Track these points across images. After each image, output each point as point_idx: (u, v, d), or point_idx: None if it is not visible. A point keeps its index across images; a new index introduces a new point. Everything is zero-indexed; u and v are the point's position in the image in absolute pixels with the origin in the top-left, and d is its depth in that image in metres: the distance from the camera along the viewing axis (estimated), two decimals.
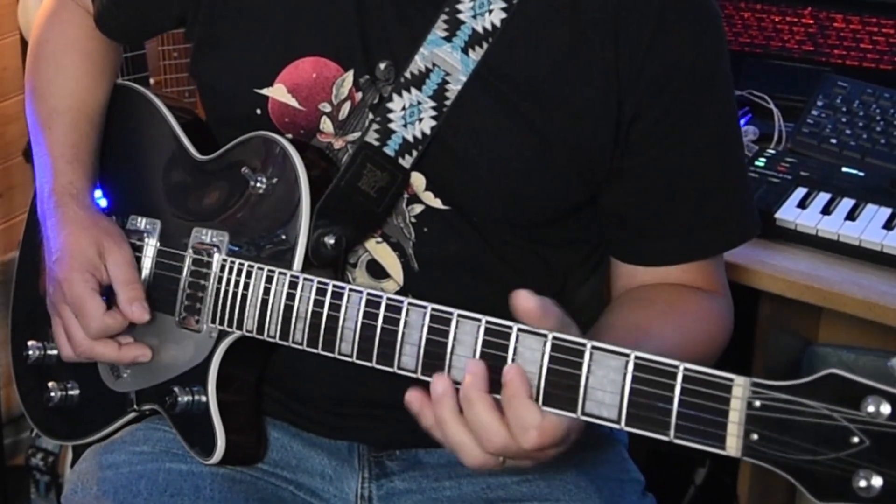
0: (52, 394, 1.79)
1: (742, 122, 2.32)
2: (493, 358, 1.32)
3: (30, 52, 1.92)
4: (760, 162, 2.15)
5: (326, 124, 1.63)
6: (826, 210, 2.02)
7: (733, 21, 2.55)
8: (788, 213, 2.02)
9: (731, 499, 2.67)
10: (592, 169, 1.59)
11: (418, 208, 1.62)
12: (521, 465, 1.37)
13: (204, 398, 1.61)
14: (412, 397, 1.36)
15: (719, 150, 1.62)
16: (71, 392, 1.80)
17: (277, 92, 1.63)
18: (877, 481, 1.10)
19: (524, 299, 1.30)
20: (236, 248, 1.62)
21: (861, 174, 2.12)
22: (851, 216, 2.01)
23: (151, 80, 2.68)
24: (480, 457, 1.33)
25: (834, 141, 2.21)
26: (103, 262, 1.67)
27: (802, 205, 2.04)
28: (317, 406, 1.72)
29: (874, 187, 2.08)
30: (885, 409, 1.10)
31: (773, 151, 2.21)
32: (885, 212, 2.01)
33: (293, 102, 1.63)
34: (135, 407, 1.72)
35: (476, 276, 1.63)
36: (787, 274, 1.94)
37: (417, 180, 1.61)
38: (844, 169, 2.14)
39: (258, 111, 1.64)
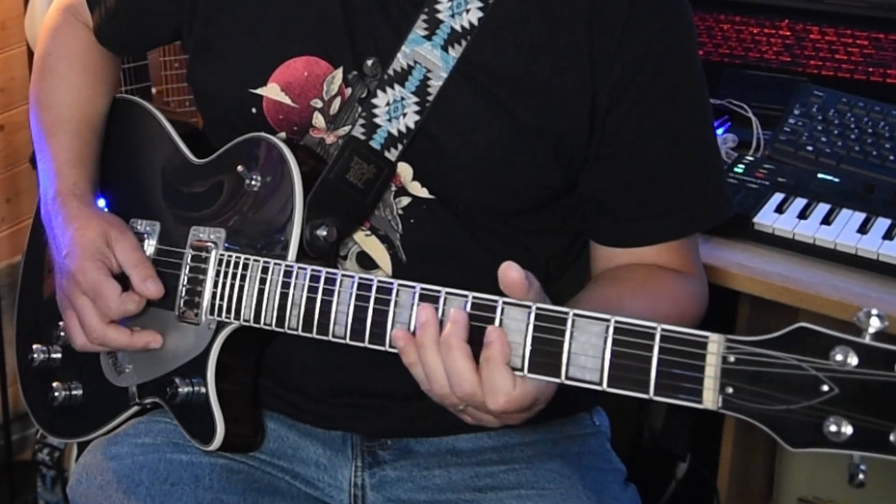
0: (57, 394, 1.81)
1: (721, 130, 2.34)
2: (480, 331, 1.35)
3: (34, 66, 1.95)
4: (739, 168, 2.16)
5: (318, 119, 1.66)
6: (802, 215, 2.03)
7: (713, 33, 2.57)
8: (766, 218, 2.03)
9: (710, 492, 2.69)
10: (570, 156, 1.62)
11: (405, 200, 1.65)
12: (484, 419, 1.41)
13: (203, 388, 1.64)
14: (398, 334, 1.39)
15: (691, 136, 1.65)
16: (75, 392, 1.81)
17: (271, 91, 1.67)
18: (846, 427, 1.13)
19: (513, 269, 1.33)
20: (233, 244, 1.65)
21: (836, 180, 2.13)
22: (827, 220, 2.01)
23: (153, 90, 2.68)
24: (446, 389, 1.37)
25: (810, 148, 2.22)
26: (111, 251, 1.69)
27: (780, 209, 2.05)
28: (310, 396, 1.74)
29: (849, 193, 2.09)
30: (852, 358, 1.13)
31: (751, 158, 2.22)
32: (860, 216, 2.02)
33: (286, 100, 1.66)
34: (137, 400, 1.74)
35: (461, 265, 1.66)
36: (765, 276, 1.95)
37: (404, 170, 1.64)
38: (820, 175, 2.15)
39: (254, 110, 1.68)
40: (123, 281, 1.67)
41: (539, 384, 1.35)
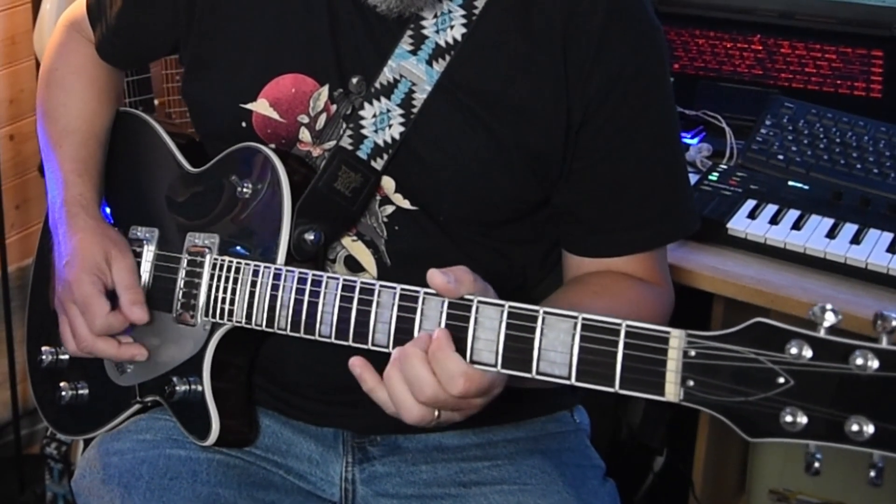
0: (64, 393, 1.80)
1: (696, 139, 2.33)
2: (458, 329, 1.35)
3: (40, 79, 1.95)
4: (713, 176, 2.15)
5: (305, 134, 1.66)
6: (774, 220, 2.02)
7: (689, 47, 2.56)
8: (739, 223, 2.02)
9: (686, 485, 2.68)
10: (545, 170, 1.61)
11: (390, 209, 1.64)
12: (452, 417, 1.40)
13: (199, 386, 1.63)
14: (355, 361, 1.40)
15: (661, 153, 1.64)
16: (81, 391, 1.81)
17: (261, 106, 1.66)
18: (802, 417, 1.12)
19: (436, 276, 1.34)
20: (227, 249, 1.64)
21: (806, 187, 2.12)
22: (797, 226, 2.00)
23: (156, 102, 2.67)
24: (416, 409, 1.37)
25: (781, 157, 2.21)
26: (109, 268, 1.69)
27: (752, 215, 2.04)
28: (303, 394, 1.73)
29: (818, 199, 2.08)
30: (807, 351, 1.13)
31: (725, 167, 2.21)
32: (828, 222, 2.01)
33: (275, 115, 1.66)
34: (138, 399, 1.73)
35: None
36: (738, 279, 1.94)
37: (388, 183, 1.63)
38: (791, 183, 2.14)
39: (243, 124, 1.67)
40: (115, 298, 1.67)
41: None
